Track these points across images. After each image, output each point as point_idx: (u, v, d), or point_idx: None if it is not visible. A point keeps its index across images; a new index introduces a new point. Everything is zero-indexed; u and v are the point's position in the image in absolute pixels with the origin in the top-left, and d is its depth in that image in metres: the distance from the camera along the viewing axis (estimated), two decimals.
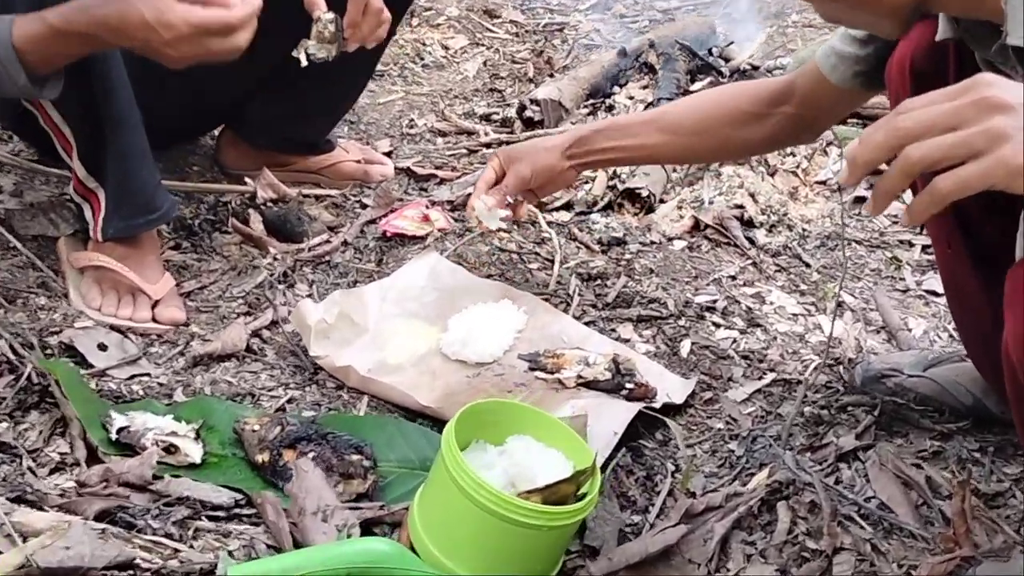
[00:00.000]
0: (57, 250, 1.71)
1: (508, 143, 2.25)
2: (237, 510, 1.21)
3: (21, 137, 1.96)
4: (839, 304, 1.81)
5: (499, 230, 1.67)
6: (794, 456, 1.44)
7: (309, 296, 1.71)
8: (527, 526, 1.09)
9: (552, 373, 1.54)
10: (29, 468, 1.23)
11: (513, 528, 1.09)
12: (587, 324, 1.70)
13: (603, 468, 1.38)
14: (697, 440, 1.50)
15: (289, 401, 1.46)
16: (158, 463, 1.25)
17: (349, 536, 1.13)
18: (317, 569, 1.03)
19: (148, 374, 1.47)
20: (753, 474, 1.43)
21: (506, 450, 1.23)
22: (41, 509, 1.15)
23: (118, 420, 1.28)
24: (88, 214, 1.62)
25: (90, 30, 1.26)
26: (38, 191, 1.85)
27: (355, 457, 1.28)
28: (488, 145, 2.35)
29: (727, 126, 1.57)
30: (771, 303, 1.84)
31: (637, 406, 1.45)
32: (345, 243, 1.87)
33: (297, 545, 1.14)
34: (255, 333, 1.59)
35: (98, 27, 1.25)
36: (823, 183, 2.23)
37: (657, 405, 1.49)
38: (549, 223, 1.97)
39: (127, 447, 1.26)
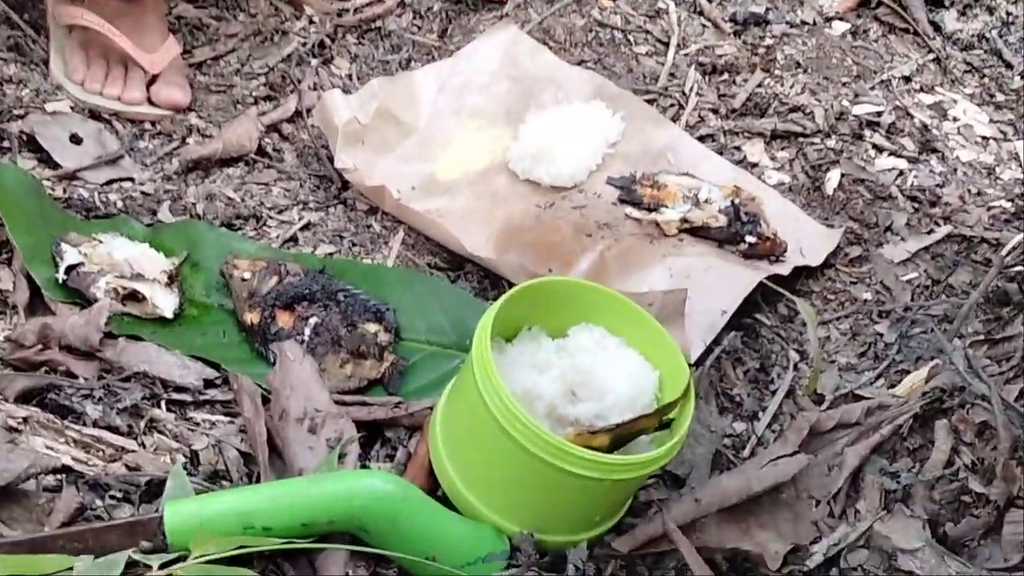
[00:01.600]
0: None
1: None
2: (210, 393, 0.92)
3: None
4: None
5: None
6: (965, 352, 1.06)
7: (350, 76, 1.34)
8: (582, 478, 0.77)
9: (649, 210, 1.16)
10: None
11: (564, 478, 0.77)
12: (703, 138, 1.29)
13: (703, 358, 1.03)
14: (834, 316, 1.13)
15: (305, 228, 1.13)
16: (122, 314, 0.97)
17: (344, 455, 0.83)
18: (281, 520, 0.75)
19: (131, 179, 1.16)
20: (906, 372, 1.07)
21: (567, 345, 0.89)
22: None
23: (69, 255, 0.98)
24: None
25: None
26: None
27: (372, 328, 0.96)
28: None
29: None
30: (954, 119, 1.38)
31: (757, 275, 1.07)
32: (403, 3, 1.46)
33: (277, 457, 0.85)
34: (273, 127, 1.24)
35: None
36: None
37: (785, 270, 1.12)
38: None
39: (78, 293, 0.97)
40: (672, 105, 1.34)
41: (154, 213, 1.12)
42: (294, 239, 1.12)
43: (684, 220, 1.14)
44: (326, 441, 0.83)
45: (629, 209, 1.17)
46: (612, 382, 0.86)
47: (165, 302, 0.98)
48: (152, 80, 1.26)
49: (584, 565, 0.82)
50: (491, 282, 1.10)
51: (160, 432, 0.88)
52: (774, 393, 1.04)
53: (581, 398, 0.86)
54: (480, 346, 0.80)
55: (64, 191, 1.12)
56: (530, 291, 0.87)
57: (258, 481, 0.83)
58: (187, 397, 0.91)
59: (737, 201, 1.16)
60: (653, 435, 0.86)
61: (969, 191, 1.27)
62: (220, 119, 1.25)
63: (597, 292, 0.90)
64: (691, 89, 1.36)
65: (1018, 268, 1.15)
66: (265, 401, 0.89)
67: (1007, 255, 1.12)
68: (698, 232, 1.14)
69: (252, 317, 0.97)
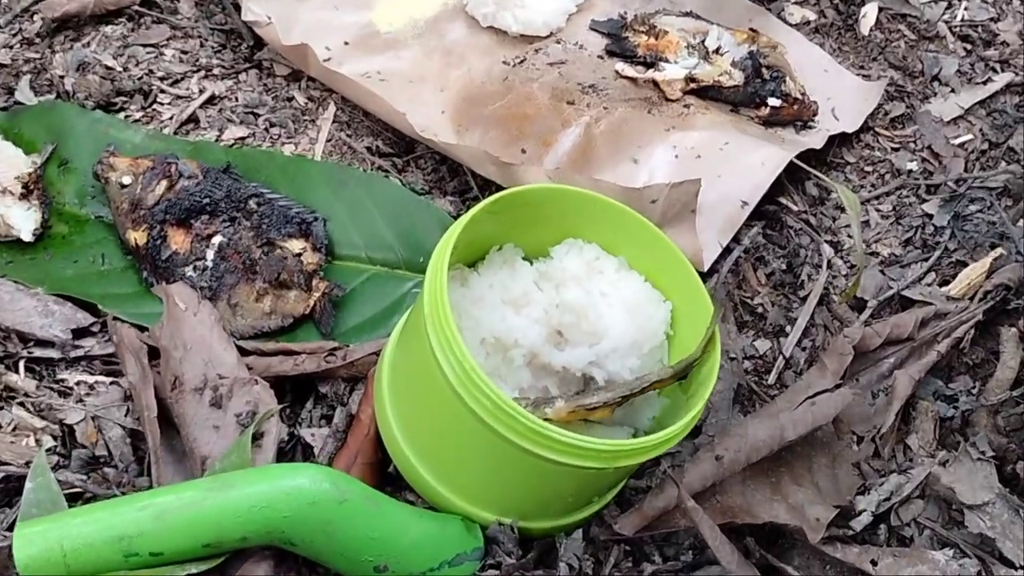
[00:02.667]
0: None
1: None
2: (85, 345, 0.71)
3: None
4: None
5: None
6: None
7: None
8: (576, 467, 0.58)
9: (646, 65, 0.92)
10: None
11: (553, 467, 0.58)
12: None
13: (719, 261, 0.82)
14: (873, 193, 0.91)
15: (207, 104, 0.89)
16: None
17: (259, 436, 0.63)
18: (175, 542, 0.55)
19: None
20: (963, 263, 0.87)
21: (550, 271, 0.68)
22: None
23: None
24: None
25: None
26: None
27: (296, 246, 0.74)
28: None
29: None
30: None
31: (785, 154, 0.85)
32: None
33: (175, 435, 0.65)
34: None
35: None
36: None
37: (818, 141, 0.89)
38: None
39: None
40: None
41: (11, 92, 0.86)
42: (193, 120, 0.87)
43: (690, 79, 0.90)
44: (235, 417, 0.63)
45: (620, 65, 0.93)
46: (610, 320, 0.66)
47: (22, 220, 0.75)
48: None
49: (580, 561, 0.64)
50: (449, 170, 0.87)
51: (19, 405, 0.67)
52: (804, 300, 0.84)
53: (570, 341, 0.66)
54: (434, 293, 0.58)
55: None
56: (501, 204, 0.64)
57: (150, 473, 0.63)
58: (53, 354, 0.69)
59: (755, 50, 0.92)
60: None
61: None
62: None
63: (587, 199, 0.67)
64: None
65: None
66: (155, 354, 0.68)
67: None
68: (708, 93, 0.91)
69: (137, 236, 0.74)
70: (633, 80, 0.92)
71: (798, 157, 0.86)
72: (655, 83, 0.91)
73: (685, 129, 0.87)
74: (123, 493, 0.63)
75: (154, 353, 0.67)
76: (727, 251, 0.83)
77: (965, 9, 1.04)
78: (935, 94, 0.98)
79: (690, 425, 0.60)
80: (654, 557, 0.68)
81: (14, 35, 0.91)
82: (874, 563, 0.68)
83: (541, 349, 0.65)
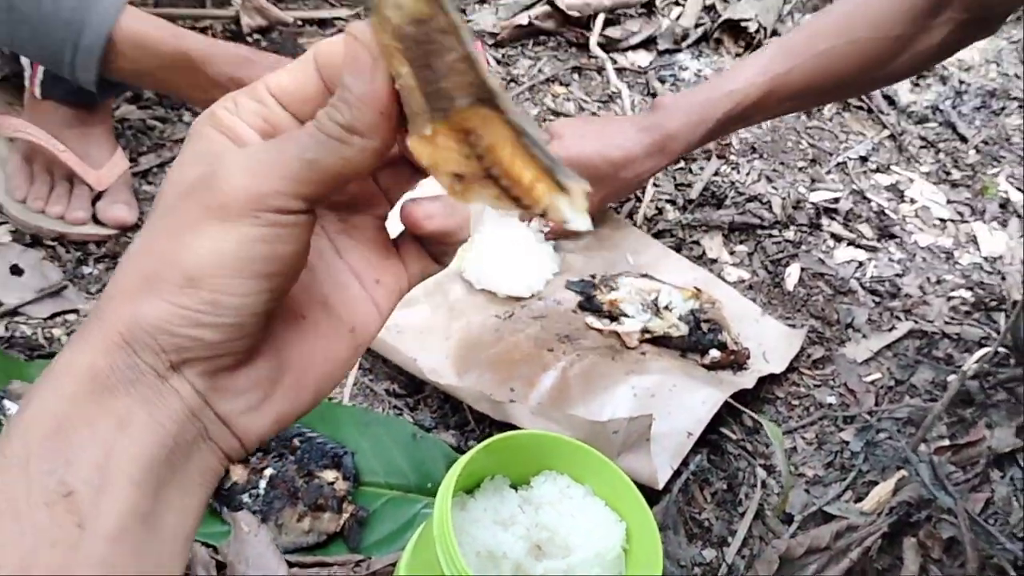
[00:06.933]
0: None
1: None
2: None
3: None
4: (1003, 205, 1.35)
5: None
6: (930, 461, 1.06)
7: None
8: None
9: (611, 319, 1.15)
10: None
11: None
12: (661, 234, 1.28)
13: (670, 482, 1.02)
14: (799, 423, 1.11)
15: None
16: None
17: None
18: None
19: (75, 311, 1.12)
20: (874, 483, 1.06)
21: (531, 497, 0.87)
22: None
23: (13, 412, 0.94)
24: (26, 58, 1.21)
25: (215, 84, 1.06)
26: None
27: (329, 476, 0.94)
28: None
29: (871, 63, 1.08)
30: (911, 200, 1.38)
31: (722, 394, 1.06)
32: None
33: None
34: None
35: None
36: None
37: (750, 381, 1.10)
38: (620, 70, 1.49)
39: None
40: (628, 198, 1.32)
41: None
42: None
43: (645, 330, 1.13)
44: None
45: (590, 319, 1.15)
46: (578, 538, 0.84)
47: None
48: (97, 196, 1.22)
49: None
50: (451, 407, 1.07)
51: None
52: (743, 515, 1.02)
53: (547, 554, 0.84)
54: (441, 518, 0.77)
55: (6, 329, 1.08)
56: (494, 447, 0.84)
57: None
58: None
59: (697, 307, 1.14)
60: None
61: (928, 279, 1.27)
62: None
63: (559, 443, 0.88)
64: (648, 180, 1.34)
65: (975, 366, 1.15)
66: (222, 567, 0.86)
67: (969, 366, 1.11)
68: (660, 342, 1.13)
69: None
70: (600, 331, 1.14)
71: (734, 396, 1.07)
72: (617, 334, 1.13)
73: (641, 373, 1.08)
74: None
75: (220, 566, 0.85)
76: (677, 473, 1.02)
77: (874, 267, 1.28)
78: (849, 339, 1.19)
79: None
80: None
81: None
82: None
83: (524, 561, 0.83)
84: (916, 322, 1.21)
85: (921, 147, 1.46)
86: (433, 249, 0.47)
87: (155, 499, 0.38)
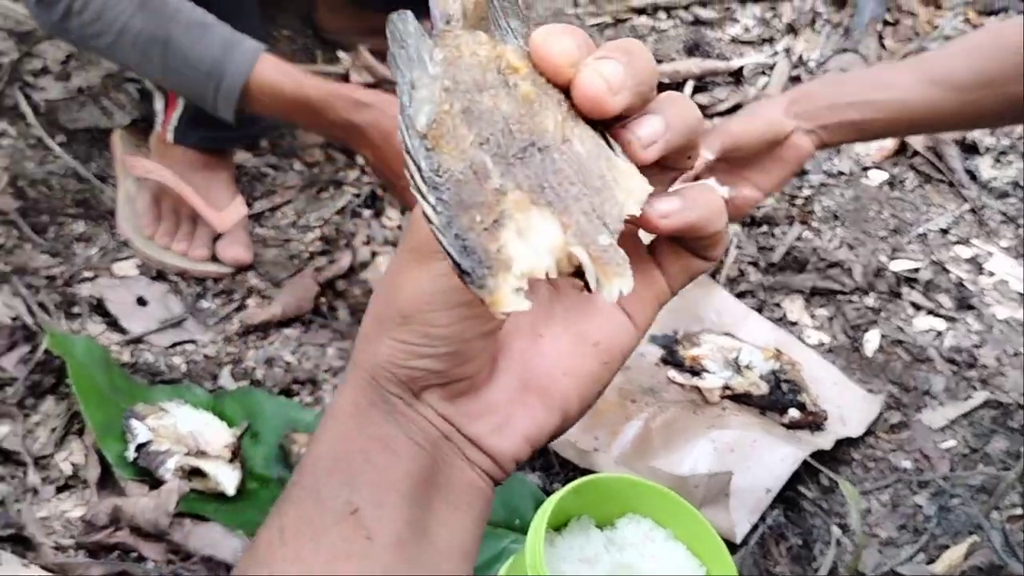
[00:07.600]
0: (110, 145, 1.42)
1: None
2: None
3: None
4: None
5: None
6: (1003, 528, 1.08)
7: (399, 227, 1.39)
8: None
9: (693, 373, 1.20)
10: (33, 487, 1.00)
11: None
12: (743, 294, 1.33)
13: (748, 535, 1.06)
14: (874, 486, 1.14)
15: None
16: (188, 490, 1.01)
17: None
18: None
19: (194, 341, 1.21)
20: (945, 546, 1.09)
21: (615, 538, 0.92)
22: (32, 548, 0.93)
23: (139, 432, 1.02)
24: (159, 104, 1.32)
25: (334, 125, 1.16)
26: (91, 71, 1.54)
27: None
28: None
29: (1015, 79, 1.09)
30: (990, 273, 1.41)
31: (801, 452, 1.10)
32: None
33: None
34: (328, 284, 1.29)
35: (340, 128, 1.16)
36: None
37: (828, 443, 1.14)
38: None
39: (147, 471, 1.01)
40: None
41: (215, 378, 1.17)
42: None
43: (726, 387, 1.17)
44: None
45: (672, 372, 1.21)
46: None
47: (227, 479, 1.02)
48: (217, 236, 1.32)
49: None
50: (539, 451, 1.13)
51: None
52: (816, 571, 1.05)
53: None
54: (534, 554, 0.83)
55: (131, 355, 1.17)
56: (582, 488, 0.90)
57: None
58: None
59: (778, 367, 1.19)
60: None
61: (1005, 351, 1.29)
62: (277, 275, 1.30)
63: (643, 487, 0.93)
64: (731, 242, 1.40)
65: None
66: None
67: None
68: (741, 399, 1.17)
69: None
70: (682, 385, 1.19)
71: (812, 455, 1.11)
72: (699, 389, 1.18)
73: (722, 427, 1.13)
74: None
75: None
76: (754, 528, 1.06)
77: (952, 336, 1.31)
78: (926, 406, 1.22)
79: None
80: None
81: (219, 334, 1.23)
82: None
83: None
84: (992, 392, 1.23)
85: (1001, 222, 1.49)
86: (691, 245, 0.43)
87: (425, 512, 0.42)
